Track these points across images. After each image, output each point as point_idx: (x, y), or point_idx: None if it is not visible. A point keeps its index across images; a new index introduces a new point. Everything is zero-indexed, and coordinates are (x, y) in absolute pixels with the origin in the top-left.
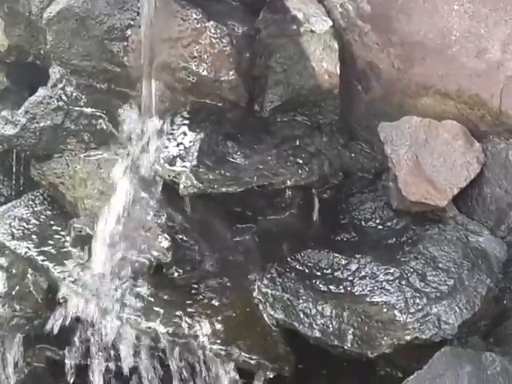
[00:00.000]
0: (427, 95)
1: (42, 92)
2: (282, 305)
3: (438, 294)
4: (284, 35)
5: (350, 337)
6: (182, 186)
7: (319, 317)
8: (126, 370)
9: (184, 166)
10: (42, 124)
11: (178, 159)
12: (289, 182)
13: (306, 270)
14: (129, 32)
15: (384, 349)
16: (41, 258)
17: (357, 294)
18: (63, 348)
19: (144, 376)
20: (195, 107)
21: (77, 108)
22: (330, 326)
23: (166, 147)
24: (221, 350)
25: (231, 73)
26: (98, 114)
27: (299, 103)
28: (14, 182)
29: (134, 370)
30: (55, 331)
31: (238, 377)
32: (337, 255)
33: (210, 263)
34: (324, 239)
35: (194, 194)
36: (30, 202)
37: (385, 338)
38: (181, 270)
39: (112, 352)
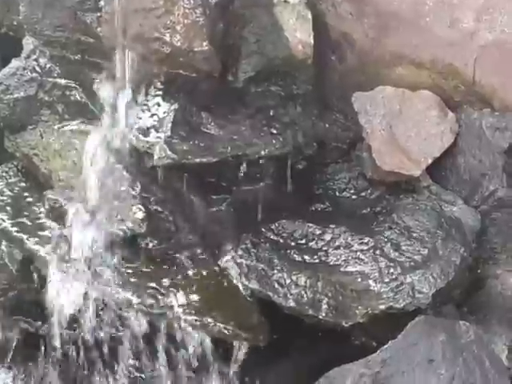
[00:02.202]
0: (401, 65)
1: (15, 63)
2: (257, 275)
3: (412, 264)
4: (257, 5)
5: (324, 306)
6: (156, 157)
7: (293, 287)
8: (94, 340)
9: (158, 137)
10: (15, 95)
11: (151, 130)
12: (263, 153)
13: (281, 240)
14: (102, 3)
15: (358, 318)
16: (15, 229)
17: (331, 264)
18: (38, 319)
19: (118, 347)
20: (169, 78)
21: (50, 79)
22: (305, 295)
23: (140, 118)
24: (196, 320)
25: (205, 43)
26: (71, 85)
27: (273, 73)
28: None
29: (110, 340)
30: None
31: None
32: (311, 225)
33: (185, 234)
34: (298, 209)
35: (168, 164)
36: (4, 174)
37: (359, 308)
38: (155, 241)
39: (86, 323)
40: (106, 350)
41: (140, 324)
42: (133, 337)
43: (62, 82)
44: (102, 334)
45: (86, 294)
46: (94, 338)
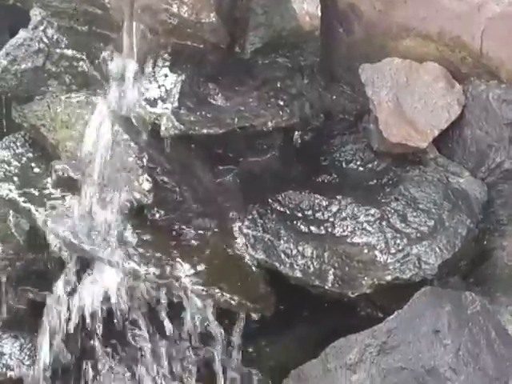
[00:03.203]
0: (409, 37)
1: (22, 34)
2: (263, 245)
3: (418, 235)
4: None
5: (330, 277)
6: (163, 128)
7: (300, 257)
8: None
9: (165, 108)
10: (23, 66)
11: (159, 101)
12: (270, 124)
13: (287, 212)
14: None
15: (365, 289)
16: (22, 199)
17: (337, 235)
18: (45, 290)
19: (126, 318)
20: (176, 49)
21: (58, 50)
22: (311, 266)
23: (147, 89)
24: (202, 290)
25: (212, 15)
26: (79, 56)
27: (280, 45)
28: None
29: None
30: None
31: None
32: (318, 196)
33: (192, 205)
34: (305, 181)
35: (175, 135)
36: (12, 145)
37: (365, 279)
38: (162, 212)
39: (93, 293)
40: (111, 319)
41: (146, 294)
42: (139, 306)
43: (70, 52)
44: (108, 304)
45: (92, 263)
46: (100, 308)
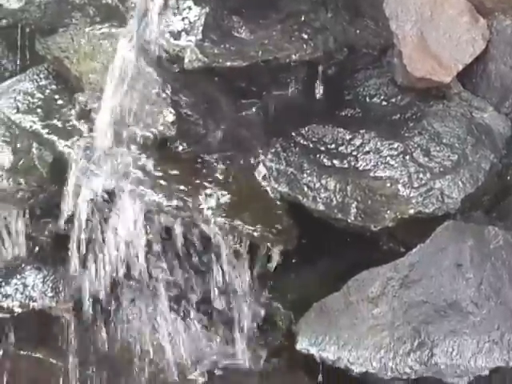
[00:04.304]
0: None
1: None
2: (286, 179)
3: (441, 169)
4: None
5: (353, 210)
6: (186, 60)
7: (323, 190)
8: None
9: (189, 40)
10: None
11: (183, 33)
12: (293, 57)
13: (310, 145)
14: None
15: (387, 222)
16: (46, 131)
17: (360, 168)
18: (68, 222)
19: (145, 249)
20: None
21: None
22: (334, 199)
23: (171, 22)
24: (225, 223)
25: None
26: None
27: None
28: (18, 56)
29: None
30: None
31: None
32: (341, 130)
33: (215, 138)
34: (328, 115)
35: (198, 68)
36: (35, 77)
37: (388, 212)
38: (185, 144)
39: (115, 226)
40: (134, 251)
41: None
42: (161, 239)
43: None
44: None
45: (114, 195)
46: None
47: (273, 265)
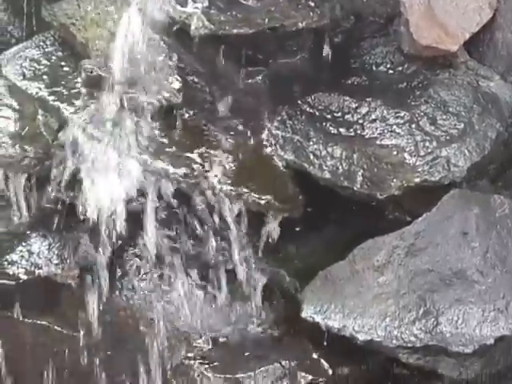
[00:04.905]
0: None
1: None
2: (293, 146)
3: (447, 138)
4: None
5: (359, 178)
6: (193, 27)
7: (329, 158)
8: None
9: (195, 8)
10: None
11: (189, 0)
12: (300, 25)
13: (317, 113)
14: None
15: (393, 191)
16: (52, 98)
17: (367, 136)
18: (73, 189)
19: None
20: None
21: None
22: (340, 167)
23: None
24: (231, 190)
25: None
26: None
27: None
28: (24, 23)
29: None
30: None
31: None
32: (347, 98)
33: (221, 105)
34: (335, 83)
35: (205, 35)
36: (41, 43)
37: (394, 180)
38: (191, 112)
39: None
40: (140, 219)
41: (175, 194)
42: (168, 207)
43: None
44: (135, 204)
45: (120, 163)
46: (127, 208)
47: (274, 233)
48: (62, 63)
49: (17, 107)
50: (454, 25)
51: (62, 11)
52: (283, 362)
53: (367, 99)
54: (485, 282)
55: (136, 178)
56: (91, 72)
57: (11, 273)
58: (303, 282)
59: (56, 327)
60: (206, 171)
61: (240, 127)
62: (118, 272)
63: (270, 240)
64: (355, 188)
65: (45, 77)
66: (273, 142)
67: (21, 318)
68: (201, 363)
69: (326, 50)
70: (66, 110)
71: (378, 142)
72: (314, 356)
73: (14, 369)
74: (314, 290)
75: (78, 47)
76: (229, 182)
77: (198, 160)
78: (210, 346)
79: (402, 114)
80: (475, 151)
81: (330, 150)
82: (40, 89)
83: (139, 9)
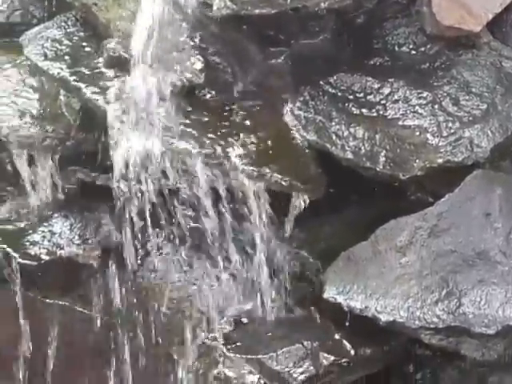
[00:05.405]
0: None
1: None
2: (315, 127)
3: (470, 118)
4: None
5: (382, 159)
6: (215, 8)
7: (351, 139)
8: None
9: None
10: None
11: None
12: (322, 5)
13: (339, 94)
14: None
15: (416, 171)
16: (73, 78)
17: (389, 117)
18: (95, 170)
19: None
20: None
21: None
22: (362, 148)
23: None
24: (253, 170)
25: None
26: None
27: None
28: (46, 3)
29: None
30: None
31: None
32: (369, 79)
33: (243, 86)
34: (357, 63)
35: (227, 15)
36: (63, 24)
37: (417, 161)
38: (213, 92)
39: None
40: (163, 200)
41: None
42: (190, 188)
43: None
44: (158, 185)
45: (145, 143)
46: (150, 189)
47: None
48: (84, 44)
49: (38, 88)
50: (477, 5)
51: None
52: (305, 343)
53: (390, 80)
54: (508, 262)
55: (159, 158)
56: (113, 52)
57: (33, 253)
58: (325, 263)
59: (77, 307)
60: (229, 152)
61: (262, 108)
62: (140, 252)
63: (292, 221)
64: (377, 169)
65: (66, 57)
66: (295, 123)
67: (42, 299)
68: (223, 344)
69: (348, 31)
70: (87, 91)
71: (400, 123)
72: (336, 337)
73: (36, 348)
74: (337, 270)
75: (100, 28)
76: (251, 162)
77: (220, 140)
78: (232, 327)
79: (424, 95)
80: (498, 132)
81: (352, 130)
82: (62, 69)
83: None
